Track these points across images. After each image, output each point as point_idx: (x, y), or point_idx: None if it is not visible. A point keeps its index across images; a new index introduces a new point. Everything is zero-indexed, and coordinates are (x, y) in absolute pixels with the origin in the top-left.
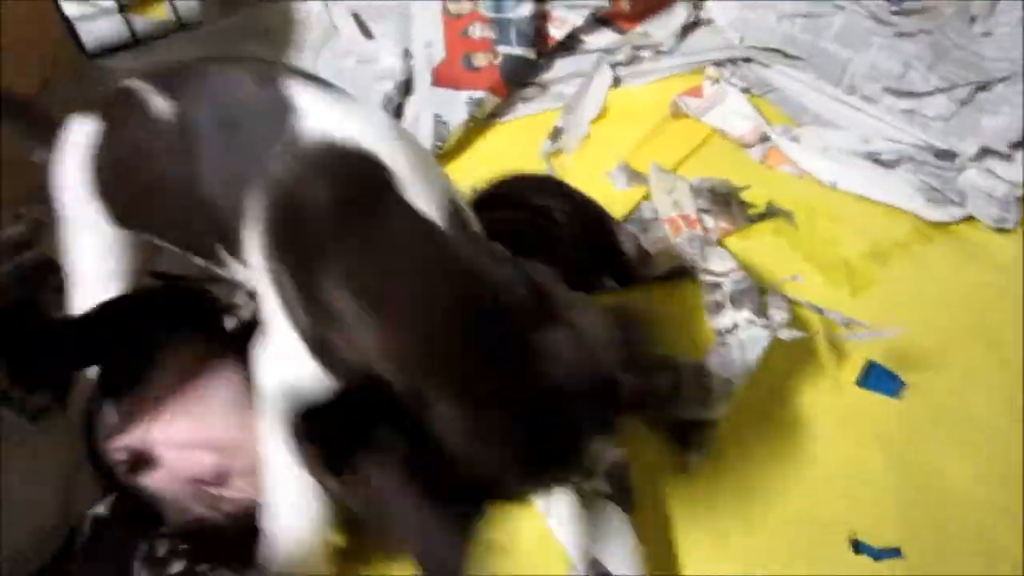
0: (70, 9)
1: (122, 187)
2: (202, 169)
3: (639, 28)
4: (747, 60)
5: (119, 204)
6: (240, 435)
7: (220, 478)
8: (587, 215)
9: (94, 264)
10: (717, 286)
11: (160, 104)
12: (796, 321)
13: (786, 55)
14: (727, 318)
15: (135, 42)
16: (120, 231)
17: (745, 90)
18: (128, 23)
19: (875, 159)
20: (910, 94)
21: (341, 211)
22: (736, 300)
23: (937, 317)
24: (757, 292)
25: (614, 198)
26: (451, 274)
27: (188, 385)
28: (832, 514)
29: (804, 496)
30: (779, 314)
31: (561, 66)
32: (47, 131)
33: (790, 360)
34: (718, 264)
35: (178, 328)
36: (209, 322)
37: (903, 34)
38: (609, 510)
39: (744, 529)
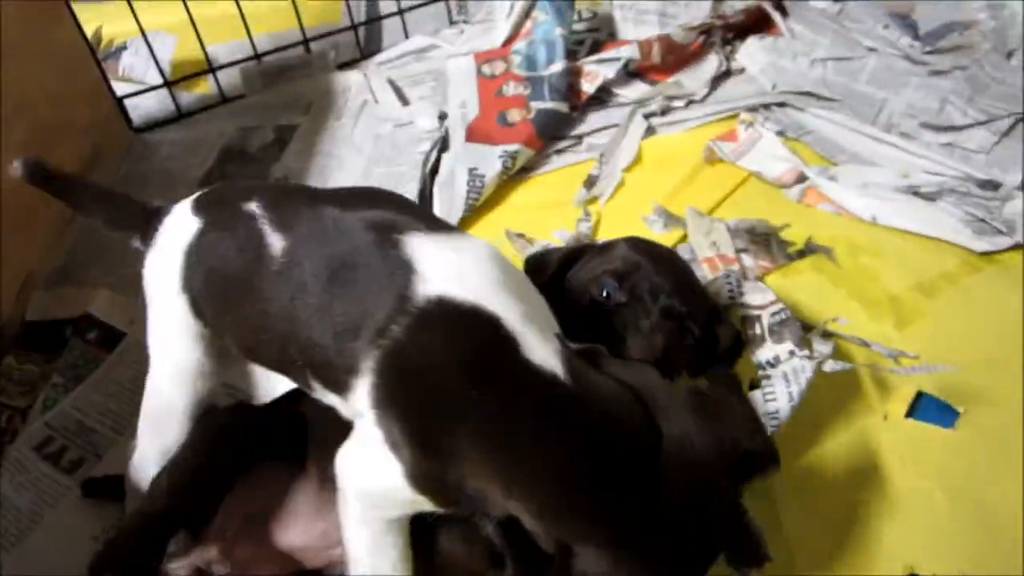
0: (120, 88)
1: (214, 295)
2: (308, 312)
3: (671, 79)
4: (780, 105)
5: (208, 306)
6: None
7: None
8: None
9: (177, 350)
10: (756, 319)
11: (271, 236)
12: (840, 353)
13: (819, 97)
14: (767, 351)
15: (179, 116)
16: (202, 327)
17: (780, 133)
18: (174, 98)
19: (916, 192)
20: (949, 128)
21: (464, 373)
22: (776, 333)
23: (988, 347)
24: (798, 325)
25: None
26: (579, 429)
27: (258, 502)
28: (887, 545)
29: (858, 529)
30: (822, 345)
31: (594, 119)
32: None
33: (836, 395)
34: (756, 298)
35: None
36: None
37: (938, 72)
38: None
39: (795, 563)
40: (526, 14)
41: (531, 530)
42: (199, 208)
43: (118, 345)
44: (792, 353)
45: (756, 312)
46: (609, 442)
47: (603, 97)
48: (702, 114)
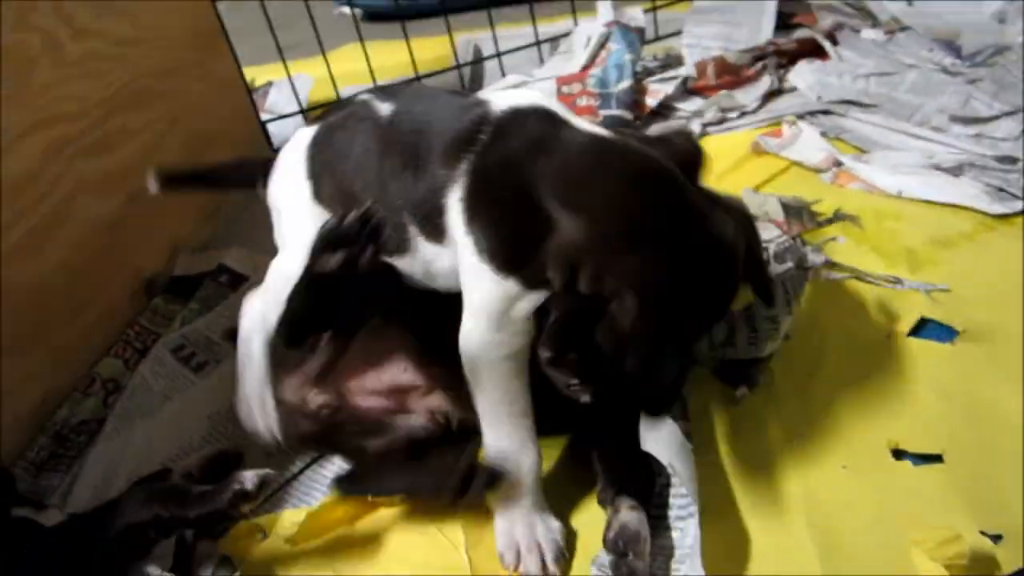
0: (264, 115)
1: (329, 173)
2: (405, 154)
3: (724, 92)
4: (825, 112)
5: (327, 184)
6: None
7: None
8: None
9: (303, 230)
10: (764, 250)
11: (379, 105)
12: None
13: (860, 105)
14: (771, 271)
15: (302, 112)
16: (320, 208)
17: (822, 134)
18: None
19: (938, 167)
20: (976, 120)
21: (533, 148)
22: (779, 256)
23: (997, 286)
24: (799, 247)
25: None
26: (635, 169)
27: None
28: (874, 428)
29: (847, 414)
30: (816, 256)
31: (654, 129)
32: None
33: (841, 318)
34: (764, 234)
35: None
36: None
37: (972, 81)
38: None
39: (786, 448)
40: (601, 45)
41: (584, 283)
42: (316, 120)
43: (243, 285)
44: (789, 268)
45: (764, 245)
46: (652, 186)
47: (664, 112)
48: (752, 121)
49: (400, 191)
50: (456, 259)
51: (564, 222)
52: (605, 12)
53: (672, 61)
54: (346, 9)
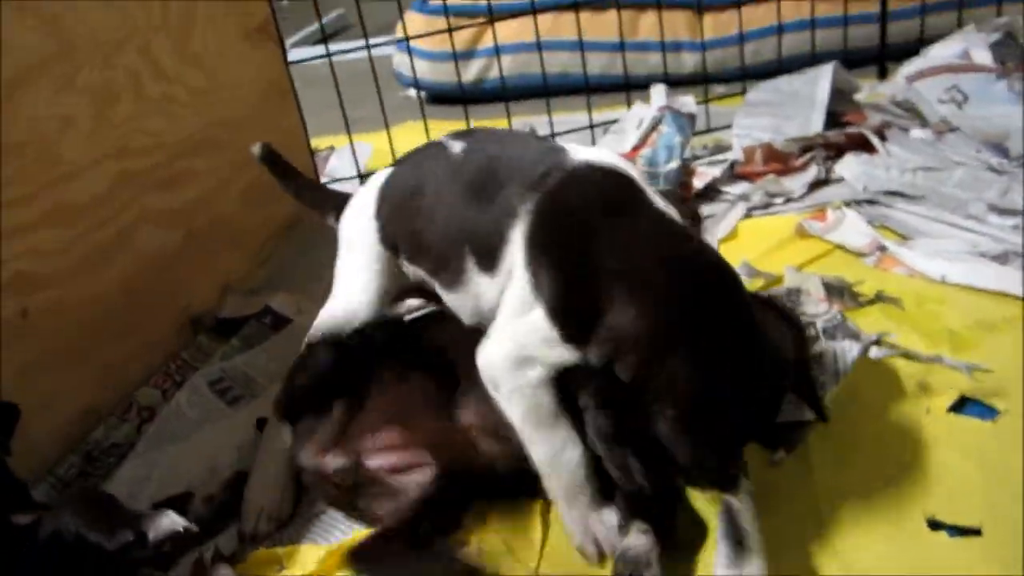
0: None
1: (397, 212)
2: (474, 187)
3: (771, 177)
4: (870, 202)
5: (390, 224)
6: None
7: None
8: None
9: (358, 272)
10: (811, 324)
11: (452, 143)
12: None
13: (906, 196)
14: (819, 347)
15: (359, 176)
16: (383, 250)
17: (867, 222)
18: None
19: (983, 254)
20: (1014, 212)
21: (606, 207)
22: (828, 333)
23: None
24: (849, 327)
25: None
26: (695, 264)
27: (389, 399)
28: (911, 498)
29: (884, 483)
30: (869, 335)
31: (701, 210)
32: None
33: (882, 391)
34: (811, 308)
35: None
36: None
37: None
38: None
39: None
40: (653, 128)
41: (622, 373)
42: (394, 163)
43: (285, 327)
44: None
45: (811, 319)
46: (714, 291)
47: (710, 194)
48: (798, 208)
49: (464, 223)
50: (502, 291)
51: (619, 300)
52: (658, 97)
53: (721, 151)
54: (412, 92)
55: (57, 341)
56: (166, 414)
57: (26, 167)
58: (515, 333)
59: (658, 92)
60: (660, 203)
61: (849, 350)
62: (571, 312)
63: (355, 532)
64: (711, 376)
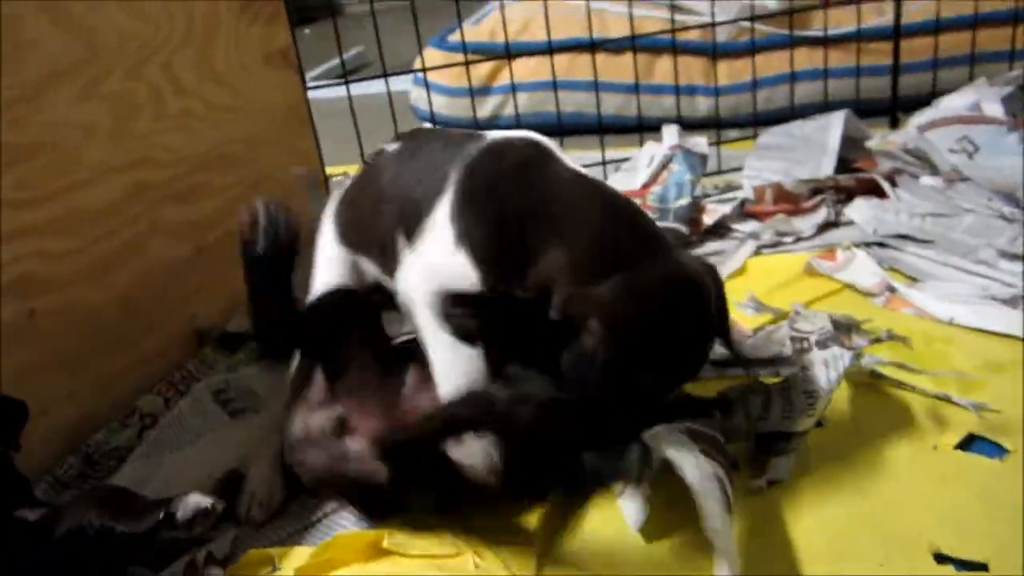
0: None
1: (346, 212)
2: (403, 174)
3: (781, 217)
4: (880, 245)
5: (342, 226)
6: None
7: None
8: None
9: (324, 273)
10: (803, 339)
11: (390, 147)
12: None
13: (915, 240)
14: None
15: None
16: (342, 250)
17: (877, 263)
18: None
19: (993, 298)
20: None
21: (525, 165)
22: (821, 344)
23: None
24: (842, 337)
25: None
26: (614, 208)
27: (370, 372)
28: (915, 529)
29: (887, 513)
30: (860, 339)
31: (710, 247)
32: None
33: (886, 420)
34: (807, 325)
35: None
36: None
37: None
38: None
39: (820, 542)
40: (664, 166)
41: (555, 308)
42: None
43: None
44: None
45: (806, 334)
46: (626, 221)
47: (720, 231)
48: (807, 247)
49: (400, 205)
50: None
51: (543, 248)
52: (670, 137)
53: (732, 190)
54: (427, 126)
55: (60, 344)
56: (168, 421)
57: (42, 170)
58: (437, 271)
59: (670, 131)
60: (571, 164)
61: (841, 357)
62: (497, 259)
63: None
64: (635, 294)
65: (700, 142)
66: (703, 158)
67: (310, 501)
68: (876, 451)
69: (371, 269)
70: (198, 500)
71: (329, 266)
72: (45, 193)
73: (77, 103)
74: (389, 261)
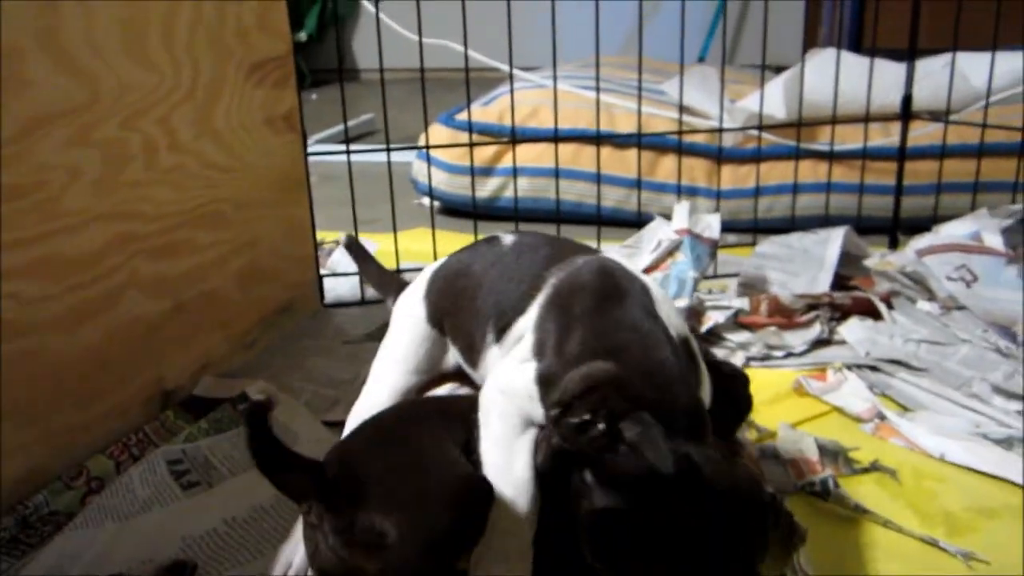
0: (324, 271)
1: (443, 291)
2: (509, 272)
3: (773, 330)
4: (873, 368)
5: (437, 304)
6: None
7: None
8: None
9: (405, 351)
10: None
11: (506, 238)
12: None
13: (909, 367)
14: None
15: (362, 302)
16: (430, 328)
17: (868, 387)
18: (361, 289)
19: (986, 436)
20: (1018, 396)
21: (599, 295)
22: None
23: None
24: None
25: None
26: (668, 357)
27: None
28: None
29: None
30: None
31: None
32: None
33: (872, 563)
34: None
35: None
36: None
37: None
38: None
39: None
40: (669, 252)
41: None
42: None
43: None
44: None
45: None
46: (681, 394)
47: (712, 340)
48: (798, 364)
49: (495, 300)
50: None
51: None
52: (681, 216)
53: (727, 297)
54: (426, 200)
55: (20, 394)
56: (115, 488)
57: (24, 212)
58: (510, 382)
59: (681, 211)
60: (661, 314)
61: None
62: (552, 379)
63: None
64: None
65: (713, 224)
66: (713, 244)
67: None
68: None
69: (455, 355)
70: None
71: (410, 346)
72: (27, 236)
73: (68, 147)
74: (475, 354)
